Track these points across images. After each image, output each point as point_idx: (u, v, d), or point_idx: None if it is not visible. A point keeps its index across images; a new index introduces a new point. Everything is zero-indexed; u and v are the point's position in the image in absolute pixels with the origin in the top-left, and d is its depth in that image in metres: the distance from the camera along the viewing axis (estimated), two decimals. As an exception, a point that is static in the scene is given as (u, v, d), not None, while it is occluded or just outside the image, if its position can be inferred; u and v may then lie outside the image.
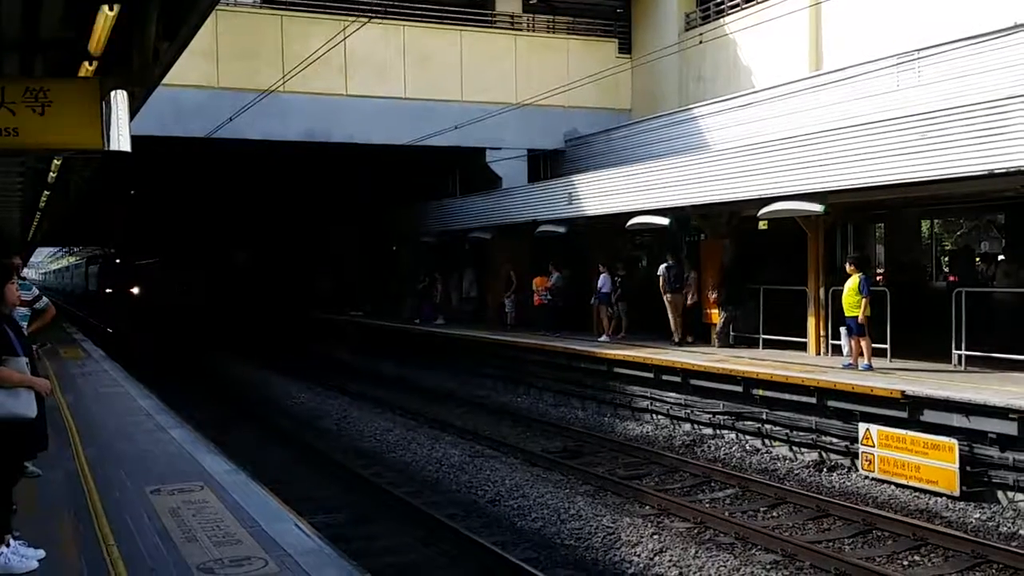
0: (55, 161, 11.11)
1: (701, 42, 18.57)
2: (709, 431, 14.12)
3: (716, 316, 16.81)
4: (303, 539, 6.13)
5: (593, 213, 18.62)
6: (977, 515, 9.74)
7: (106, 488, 7.57)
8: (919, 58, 14.52)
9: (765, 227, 16.31)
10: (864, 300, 12.79)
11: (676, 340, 17.43)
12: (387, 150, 22.77)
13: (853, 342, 13.21)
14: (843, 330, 13.63)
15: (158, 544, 6.03)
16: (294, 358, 27.17)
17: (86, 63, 6.35)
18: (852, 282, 12.97)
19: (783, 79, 17.89)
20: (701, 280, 17.44)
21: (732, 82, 20.15)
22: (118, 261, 58.75)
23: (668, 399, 15.12)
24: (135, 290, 53.50)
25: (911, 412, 10.96)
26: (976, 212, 18.42)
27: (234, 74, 20.14)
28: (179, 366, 25.85)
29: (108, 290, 54.11)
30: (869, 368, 12.81)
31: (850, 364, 13.19)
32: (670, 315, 17.64)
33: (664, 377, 15.24)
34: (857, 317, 12.89)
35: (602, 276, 18.79)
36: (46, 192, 15.24)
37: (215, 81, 20.11)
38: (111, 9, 5.38)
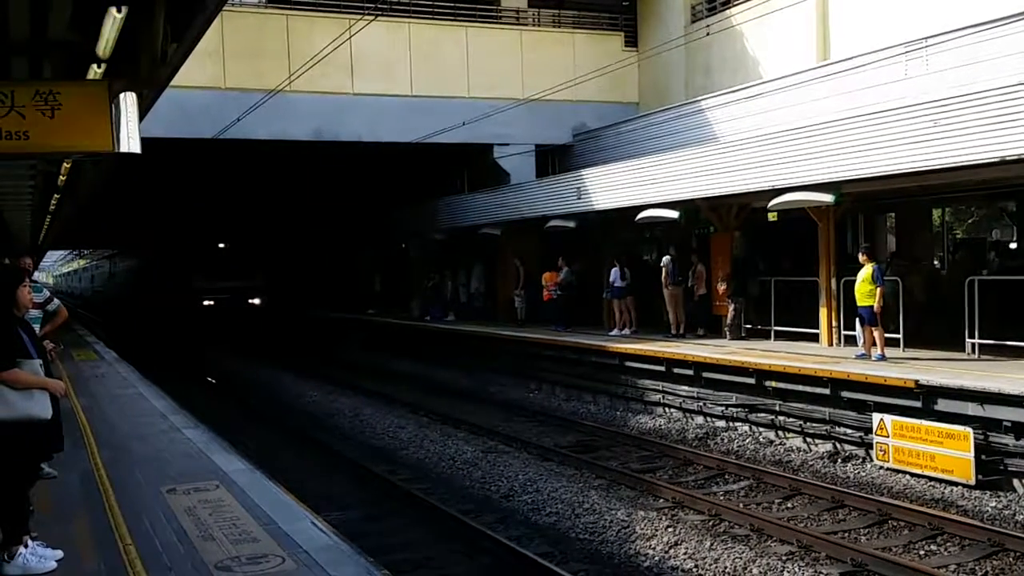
0: (65, 164, 11.15)
1: (708, 34, 18.49)
2: (722, 424, 14.10)
3: (726, 308, 16.78)
4: (320, 536, 6.14)
5: (602, 207, 18.59)
6: (993, 504, 9.69)
7: (122, 488, 7.60)
8: (927, 46, 14.44)
9: (775, 219, 16.27)
10: (879, 290, 12.75)
11: (674, 332, 17.48)
12: (395, 148, 22.79)
13: (866, 332, 13.17)
14: (858, 320, 13.57)
15: (175, 543, 6.05)
16: (307, 357, 27.18)
17: (94, 66, 6.36)
18: (866, 272, 12.93)
19: (791, 70, 17.82)
20: (711, 272, 17.41)
21: (739, 74, 20.07)
22: (222, 246, 35.75)
23: (680, 392, 15.09)
24: (256, 300, 33.15)
25: (925, 401, 10.91)
26: (987, 200, 18.28)
27: (240, 74, 20.17)
28: (187, 364, 25.92)
29: (206, 302, 32.44)
30: (882, 358, 12.77)
31: (863, 354, 13.15)
32: (669, 308, 17.69)
33: (676, 370, 15.22)
34: (872, 307, 12.85)
35: (614, 270, 18.75)
36: (56, 195, 15.31)
37: (222, 82, 20.15)
38: (119, 11, 5.38)
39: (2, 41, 5.77)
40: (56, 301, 8.26)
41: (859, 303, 13.08)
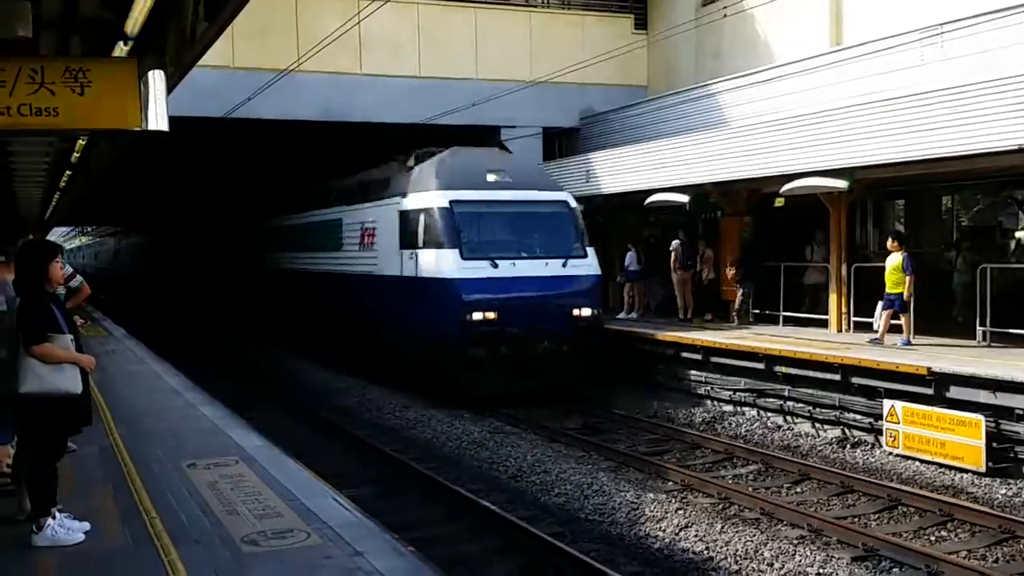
0: (80, 140, 11.16)
1: (725, 15, 18.40)
2: (729, 408, 14.15)
3: (735, 293, 16.82)
4: (342, 512, 6.21)
5: (610, 191, 18.57)
6: (1003, 491, 9.77)
7: (143, 463, 7.66)
8: (943, 32, 14.36)
9: (781, 204, 16.28)
10: (908, 278, 12.82)
11: (682, 317, 17.52)
12: (402, 129, 22.73)
13: (884, 319, 13.24)
14: (879, 306, 13.60)
15: (200, 517, 6.12)
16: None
17: (121, 43, 6.40)
18: (896, 261, 13.01)
19: (803, 54, 17.74)
20: (719, 257, 17.43)
21: (750, 58, 19.98)
22: (494, 179, 15.47)
23: (689, 376, 15.12)
24: (587, 311, 15.03)
25: (937, 389, 10.97)
26: (996, 187, 18.28)
27: (249, 54, 20.07)
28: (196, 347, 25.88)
29: (478, 314, 14.25)
30: (908, 344, 12.88)
31: (877, 339, 13.22)
32: (678, 292, 17.73)
33: (684, 354, 15.25)
34: (902, 294, 12.94)
35: (629, 254, 18.72)
36: (67, 172, 15.31)
37: (230, 61, 20.06)
38: (153, -11, 5.40)
39: (34, 19, 5.79)
40: (79, 277, 8.32)
41: (889, 290, 13.13)
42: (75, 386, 5.56)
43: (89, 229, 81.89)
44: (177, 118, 17.17)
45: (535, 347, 14.34)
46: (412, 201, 15.50)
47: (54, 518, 5.66)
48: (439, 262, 14.56)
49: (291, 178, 26.58)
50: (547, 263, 14.93)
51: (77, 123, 6.45)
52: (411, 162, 16.77)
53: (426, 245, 14.84)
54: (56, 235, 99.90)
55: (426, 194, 15.27)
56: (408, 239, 15.36)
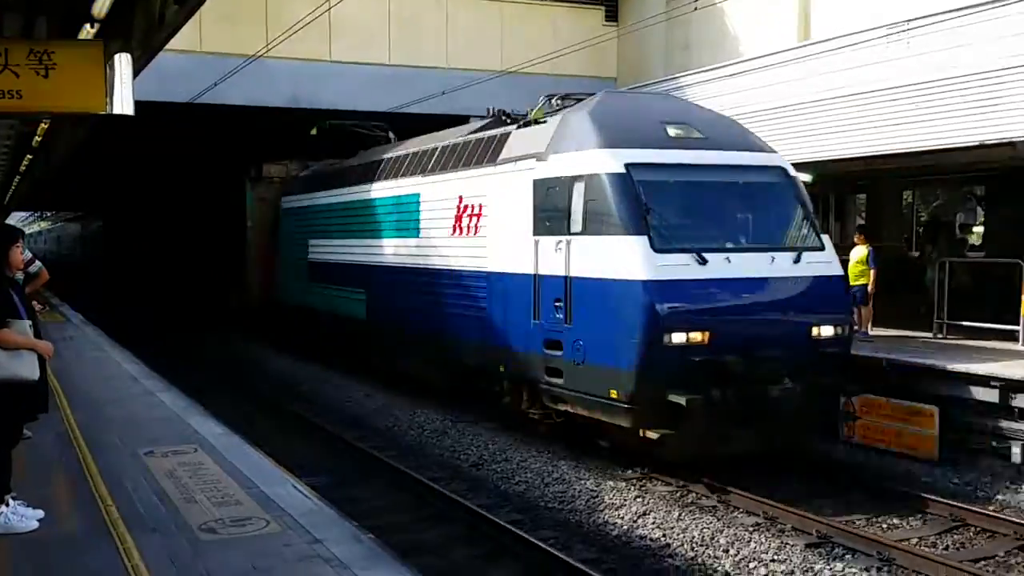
0: (42, 124, 11.01)
1: (696, 9, 18.50)
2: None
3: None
4: (302, 500, 6.22)
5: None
6: (955, 479, 9.98)
7: (99, 450, 7.61)
8: (909, 29, 14.53)
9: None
10: (872, 271, 13.11)
11: None
12: (371, 117, 22.62)
13: (857, 310, 13.48)
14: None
15: (157, 505, 6.10)
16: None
17: (87, 25, 6.32)
18: (861, 253, 13.24)
19: (771, 49, 17.87)
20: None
21: (718, 51, 20.09)
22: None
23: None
24: (829, 329, 10.26)
25: (893, 380, 11.14)
26: (957, 183, 18.61)
27: (217, 38, 19.85)
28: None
29: (678, 335, 9.35)
30: (865, 335, 13.12)
31: (864, 332, 13.47)
32: None
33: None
34: (866, 286, 13.22)
35: None
36: (28, 155, 15.09)
37: (198, 45, 19.82)
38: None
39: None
40: (38, 263, 8.24)
41: (852, 282, 13.31)
42: (32, 372, 5.51)
43: (50, 214, 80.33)
44: (143, 102, 17.00)
45: (767, 385, 9.58)
46: (556, 165, 10.76)
47: (7, 505, 5.63)
48: (616, 256, 9.80)
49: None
50: (773, 258, 10.20)
51: (41, 106, 6.40)
52: (540, 112, 12.04)
53: (587, 230, 10.13)
54: (15, 219, 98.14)
55: (582, 155, 10.46)
56: (550, 222, 10.71)
